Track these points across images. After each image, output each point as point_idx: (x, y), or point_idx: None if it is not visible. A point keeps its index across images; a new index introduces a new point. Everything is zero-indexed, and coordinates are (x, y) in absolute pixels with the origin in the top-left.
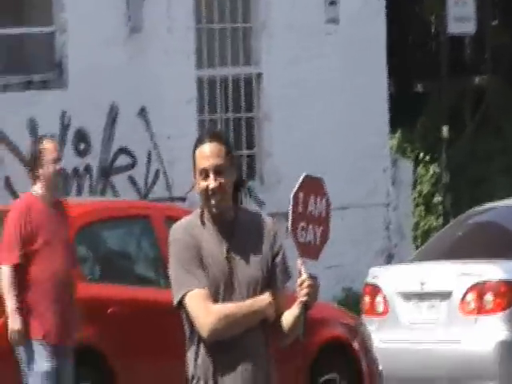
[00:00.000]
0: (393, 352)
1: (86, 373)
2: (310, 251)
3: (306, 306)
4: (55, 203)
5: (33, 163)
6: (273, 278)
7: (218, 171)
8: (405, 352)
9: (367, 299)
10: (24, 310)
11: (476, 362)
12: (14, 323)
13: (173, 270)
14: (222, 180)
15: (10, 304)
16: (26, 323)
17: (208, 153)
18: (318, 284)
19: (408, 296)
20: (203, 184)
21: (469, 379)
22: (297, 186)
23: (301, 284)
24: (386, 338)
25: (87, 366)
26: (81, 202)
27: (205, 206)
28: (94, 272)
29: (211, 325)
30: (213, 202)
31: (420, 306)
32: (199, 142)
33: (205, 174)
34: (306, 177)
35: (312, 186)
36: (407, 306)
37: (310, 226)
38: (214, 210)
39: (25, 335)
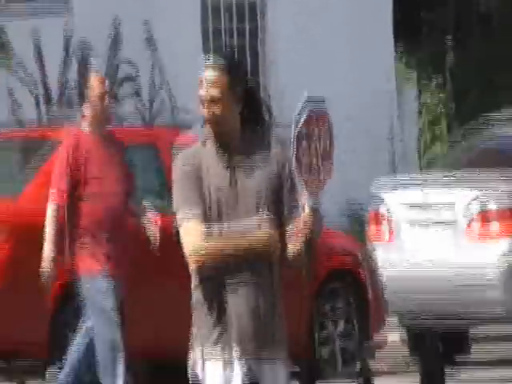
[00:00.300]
0: (398, 278)
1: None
2: (314, 185)
3: (310, 240)
4: (106, 137)
5: (81, 99)
6: (280, 207)
7: (212, 101)
8: (410, 278)
9: (372, 226)
10: (78, 246)
11: (482, 281)
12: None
13: (174, 195)
14: (217, 110)
15: (48, 239)
16: (81, 259)
17: (205, 81)
18: (322, 217)
19: (414, 222)
20: (201, 111)
21: (474, 304)
22: (300, 123)
23: (304, 218)
24: (391, 265)
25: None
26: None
27: (208, 129)
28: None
29: (197, 253)
30: (209, 130)
31: (426, 232)
32: (204, 64)
33: (201, 101)
34: (310, 111)
35: (316, 120)
36: (413, 232)
37: (314, 160)
38: (219, 135)
39: (54, 275)
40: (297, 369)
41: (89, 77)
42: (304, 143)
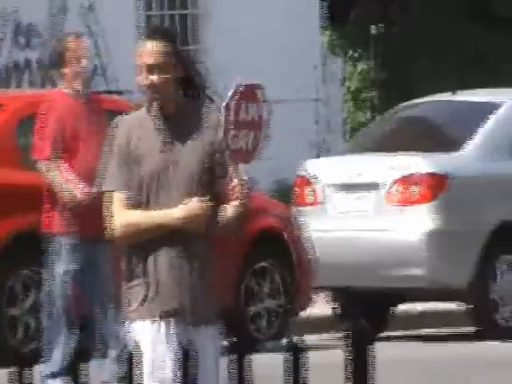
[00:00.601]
0: (323, 240)
1: (28, 255)
2: (242, 156)
3: (238, 211)
4: (87, 100)
5: (58, 61)
6: (220, 170)
7: (150, 69)
8: (334, 240)
9: (298, 190)
10: (57, 205)
11: (403, 250)
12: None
13: (108, 164)
14: (155, 77)
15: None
16: (59, 219)
17: (142, 51)
18: (251, 187)
19: (338, 187)
20: (145, 81)
21: (396, 266)
22: (228, 95)
23: (233, 189)
24: (316, 228)
25: (30, 250)
26: (26, 95)
27: (146, 99)
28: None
29: (116, 229)
30: (151, 97)
31: (349, 197)
32: (141, 38)
33: (147, 69)
34: (238, 85)
35: (245, 92)
36: (337, 197)
37: (242, 133)
38: (153, 103)
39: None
40: (231, 340)
41: (65, 39)
42: (232, 112)
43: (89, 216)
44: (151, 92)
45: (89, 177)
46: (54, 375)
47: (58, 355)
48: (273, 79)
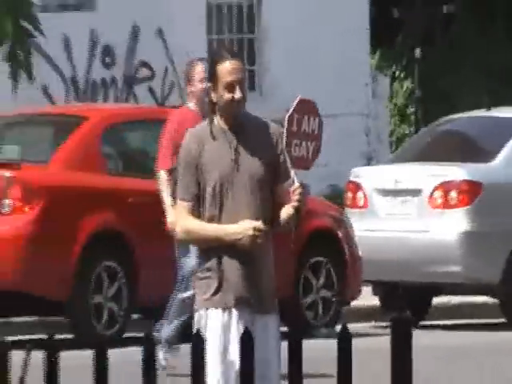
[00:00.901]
0: (371, 239)
1: (109, 250)
2: (302, 163)
3: (297, 210)
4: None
5: (186, 81)
6: (276, 176)
7: (241, 83)
8: (381, 239)
9: (350, 194)
10: None
11: (442, 249)
12: (170, 216)
13: (178, 175)
14: (243, 92)
15: (166, 201)
16: None
17: (232, 68)
18: (308, 191)
19: (384, 192)
20: (228, 95)
21: (435, 263)
22: (291, 108)
23: (294, 191)
24: (365, 228)
25: (110, 246)
26: (107, 108)
27: (225, 114)
28: (118, 166)
29: (178, 233)
30: (237, 110)
31: (394, 201)
32: (221, 59)
33: (230, 86)
34: (300, 100)
35: (305, 107)
36: (384, 201)
37: (304, 143)
38: (236, 116)
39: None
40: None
41: (194, 64)
42: (294, 125)
43: None
44: (239, 106)
45: None
46: (167, 341)
47: (173, 328)
48: (328, 96)
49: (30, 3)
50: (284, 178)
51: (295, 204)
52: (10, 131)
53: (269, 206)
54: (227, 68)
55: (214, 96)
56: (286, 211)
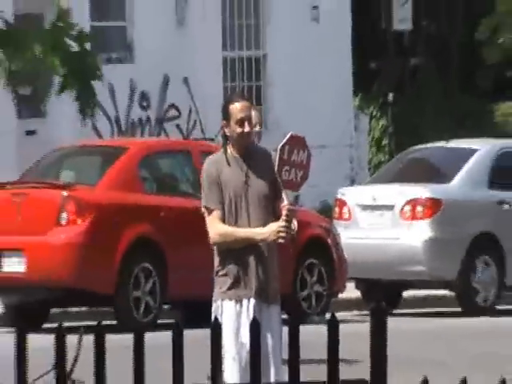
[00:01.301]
0: (354, 245)
1: (145, 254)
2: (290, 186)
3: (287, 221)
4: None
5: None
6: (276, 192)
7: (249, 120)
8: (362, 245)
9: (337, 209)
10: None
11: (410, 253)
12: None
13: (203, 189)
14: (252, 126)
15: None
16: None
17: (242, 108)
18: (296, 209)
19: (365, 207)
20: (239, 129)
21: (405, 264)
22: (283, 141)
23: (283, 207)
24: (349, 236)
25: (146, 251)
26: (143, 141)
27: (237, 144)
28: (152, 187)
29: (212, 237)
30: (247, 141)
31: (373, 214)
32: (233, 100)
33: (241, 122)
34: (292, 135)
35: (296, 141)
36: (364, 214)
37: (293, 169)
38: (245, 147)
39: None
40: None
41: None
42: (285, 155)
43: None
44: (248, 137)
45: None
46: None
47: None
48: (320, 130)
49: (96, 63)
50: (280, 195)
51: (284, 218)
52: (68, 159)
53: (272, 216)
54: (238, 107)
55: (227, 131)
56: (278, 223)
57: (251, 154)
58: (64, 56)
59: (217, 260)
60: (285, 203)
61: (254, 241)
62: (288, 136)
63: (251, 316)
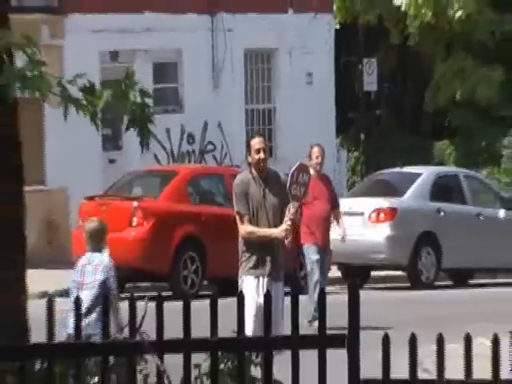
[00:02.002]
0: (337, 240)
1: (191, 246)
2: (296, 199)
3: (294, 223)
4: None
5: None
6: (284, 202)
7: (264, 150)
8: (344, 243)
9: None
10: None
11: (376, 245)
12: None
13: (234, 200)
14: (265, 155)
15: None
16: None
17: (259, 141)
18: (299, 217)
19: (344, 213)
20: (257, 156)
21: (371, 253)
22: (294, 167)
23: (289, 211)
24: (334, 234)
25: (191, 244)
26: (190, 167)
27: (256, 167)
28: (196, 199)
29: (242, 233)
30: (262, 165)
31: (350, 218)
32: (252, 137)
33: (258, 151)
34: (300, 164)
35: (302, 168)
36: (344, 218)
37: (298, 187)
38: (261, 170)
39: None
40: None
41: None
42: (295, 178)
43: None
44: (264, 163)
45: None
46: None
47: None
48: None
49: (151, 112)
50: (287, 204)
51: (289, 223)
52: (137, 180)
53: (281, 219)
54: (255, 142)
55: (249, 158)
56: (285, 227)
57: (267, 175)
58: (129, 105)
59: (242, 249)
60: (292, 210)
61: (270, 237)
62: (298, 163)
63: (265, 289)
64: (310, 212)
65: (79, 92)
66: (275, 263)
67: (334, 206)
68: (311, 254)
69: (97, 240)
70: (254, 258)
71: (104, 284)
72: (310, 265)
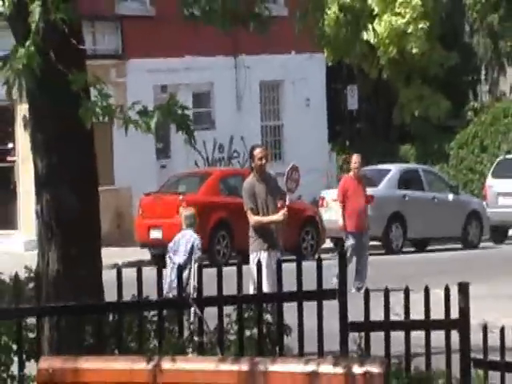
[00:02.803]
0: (329, 221)
1: (222, 227)
2: (290, 191)
3: (286, 214)
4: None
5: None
6: (280, 195)
7: (265, 158)
8: (332, 221)
9: (320, 202)
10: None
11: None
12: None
13: (244, 199)
14: (266, 161)
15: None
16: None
17: (261, 151)
18: (292, 200)
19: (335, 200)
20: (259, 163)
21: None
22: (288, 168)
23: (284, 202)
24: (327, 216)
25: (223, 225)
26: (221, 169)
27: (258, 171)
28: (226, 193)
29: (252, 223)
30: (263, 169)
31: (338, 204)
32: (255, 148)
33: (260, 159)
34: (292, 165)
35: (293, 168)
36: (334, 204)
37: (292, 182)
38: (263, 173)
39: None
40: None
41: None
42: (289, 175)
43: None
44: (264, 167)
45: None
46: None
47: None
48: (312, 162)
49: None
50: (283, 196)
51: (285, 209)
52: (182, 179)
53: (277, 209)
54: (258, 151)
55: (253, 164)
56: (283, 212)
57: (266, 177)
58: (174, 117)
59: (252, 231)
60: (286, 201)
61: (273, 221)
62: (291, 165)
63: (272, 257)
64: (351, 205)
65: (136, 115)
66: (276, 240)
67: (367, 199)
68: (350, 239)
69: (188, 221)
70: (262, 237)
71: (191, 252)
72: (349, 247)
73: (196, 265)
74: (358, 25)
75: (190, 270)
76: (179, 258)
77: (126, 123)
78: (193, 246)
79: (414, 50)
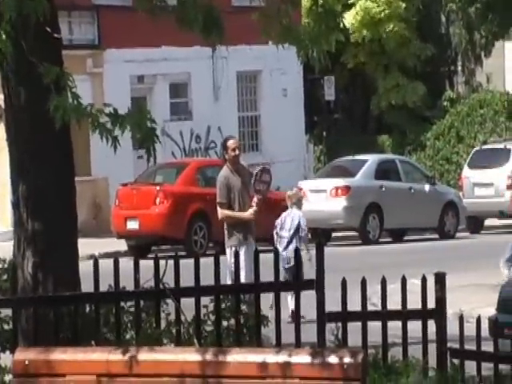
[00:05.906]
0: (308, 211)
1: (200, 218)
2: (259, 193)
3: (259, 206)
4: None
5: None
6: (253, 191)
7: (238, 148)
8: (313, 211)
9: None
10: None
11: (335, 213)
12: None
13: (218, 191)
14: (239, 152)
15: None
16: None
17: (234, 142)
18: (263, 199)
19: (312, 191)
20: (233, 154)
21: (332, 219)
22: (257, 169)
23: (254, 198)
24: (305, 206)
25: (200, 216)
26: (198, 160)
27: (231, 162)
28: (203, 184)
29: (220, 216)
30: (237, 161)
31: (316, 195)
32: (229, 139)
33: (233, 150)
34: (263, 167)
35: (264, 170)
36: (312, 195)
37: (261, 184)
38: (237, 164)
39: None
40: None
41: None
42: (258, 177)
43: None
44: (237, 159)
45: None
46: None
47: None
48: (290, 152)
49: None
50: (256, 193)
51: (255, 207)
52: (159, 170)
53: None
54: (231, 142)
55: (226, 155)
56: (253, 209)
57: (240, 169)
58: (142, 131)
59: (226, 225)
60: (255, 200)
61: (244, 218)
62: (261, 167)
63: (249, 248)
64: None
65: (105, 117)
66: (249, 233)
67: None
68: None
69: (293, 201)
70: (237, 231)
71: (297, 228)
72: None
73: (303, 244)
74: (334, 16)
75: (296, 247)
76: (285, 233)
77: (96, 128)
78: (299, 223)
79: (392, 43)
